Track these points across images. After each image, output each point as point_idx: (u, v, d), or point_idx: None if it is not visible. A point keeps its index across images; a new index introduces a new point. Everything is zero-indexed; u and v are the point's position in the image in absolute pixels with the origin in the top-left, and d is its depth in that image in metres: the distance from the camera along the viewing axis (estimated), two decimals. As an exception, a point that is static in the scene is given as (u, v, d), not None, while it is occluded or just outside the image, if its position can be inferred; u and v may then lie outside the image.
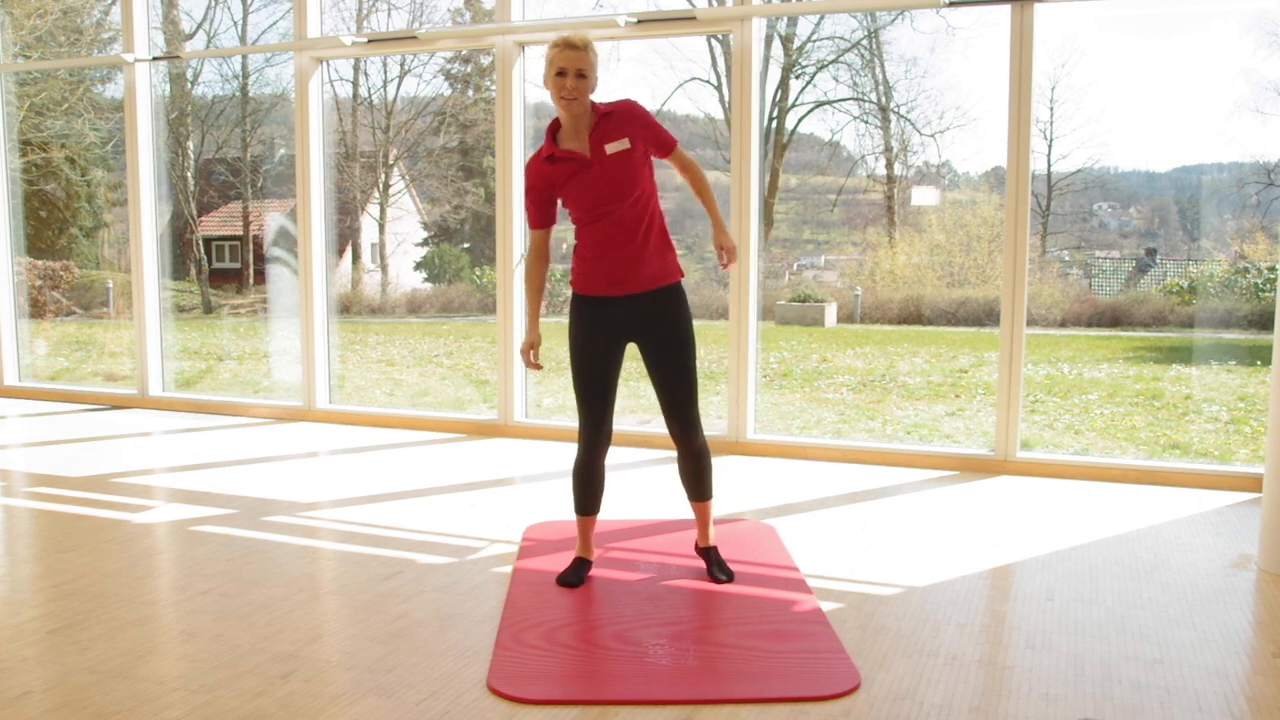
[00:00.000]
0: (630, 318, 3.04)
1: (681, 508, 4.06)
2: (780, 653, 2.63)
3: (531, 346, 3.14)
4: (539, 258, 3.13)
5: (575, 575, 3.18)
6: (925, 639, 2.73)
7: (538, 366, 3.17)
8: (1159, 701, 2.37)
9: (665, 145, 3.06)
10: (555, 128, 3.01)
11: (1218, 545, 3.62)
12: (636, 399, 7.42)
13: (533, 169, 3.04)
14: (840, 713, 2.31)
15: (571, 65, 2.87)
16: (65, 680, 2.46)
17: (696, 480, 3.18)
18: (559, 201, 3.06)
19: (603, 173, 2.95)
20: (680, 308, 3.08)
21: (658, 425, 5.55)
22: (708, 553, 3.26)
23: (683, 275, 3.12)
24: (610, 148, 2.94)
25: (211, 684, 2.44)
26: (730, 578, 3.19)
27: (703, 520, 3.26)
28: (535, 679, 2.47)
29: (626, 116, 2.99)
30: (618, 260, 2.99)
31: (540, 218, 3.08)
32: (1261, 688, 2.46)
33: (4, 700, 2.35)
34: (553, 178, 3.00)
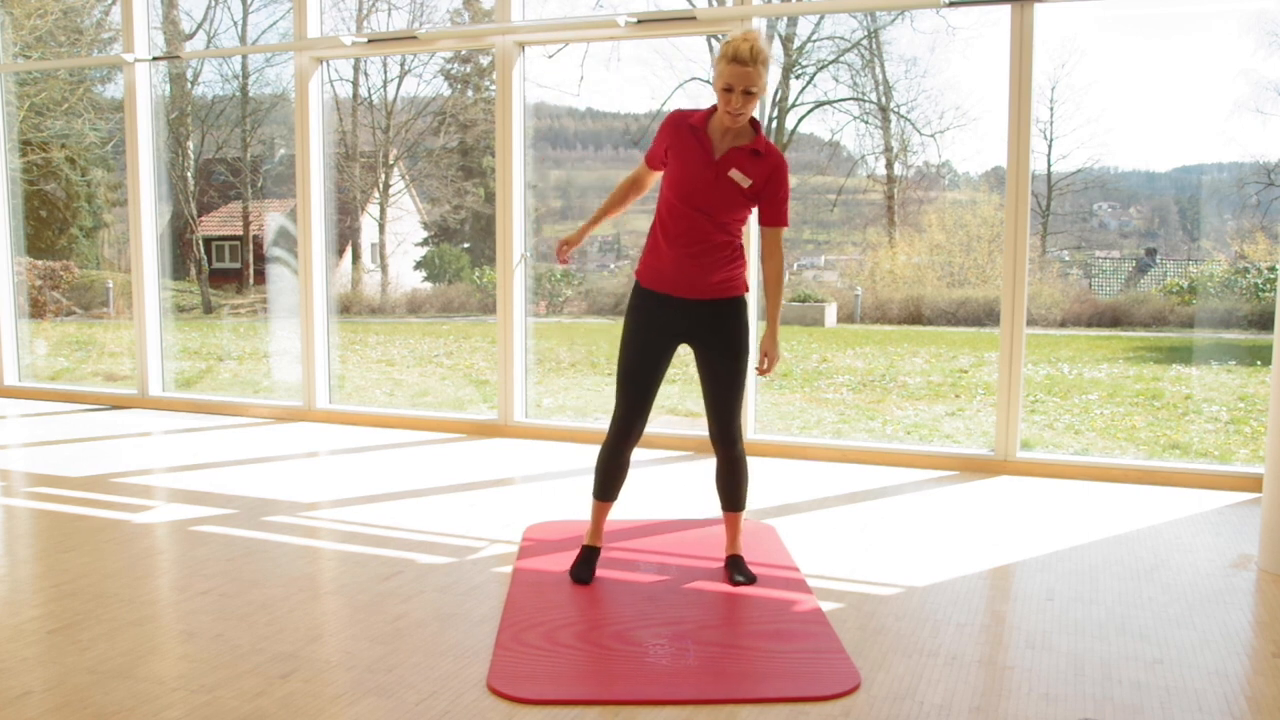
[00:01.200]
0: (688, 321, 3.03)
1: (681, 508, 4.07)
2: (780, 653, 2.63)
3: (569, 244, 3.21)
4: (634, 184, 3.22)
5: (585, 569, 3.17)
6: (925, 639, 2.73)
7: (565, 261, 3.22)
8: (1159, 701, 2.37)
9: (776, 217, 3.02)
10: (714, 111, 2.99)
11: (1218, 545, 3.62)
12: (636, 399, 7.40)
13: (676, 120, 3.02)
14: (840, 713, 2.31)
15: (740, 83, 2.82)
16: (65, 680, 2.46)
17: (732, 490, 3.20)
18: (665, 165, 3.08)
19: (713, 182, 2.94)
20: (740, 320, 3.07)
21: (659, 425, 5.55)
22: (732, 559, 3.25)
23: (747, 290, 3.10)
24: (734, 174, 2.94)
25: (211, 684, 2.44)
26: (749, 579, 3.17)
27: (732, 530, 3.27)
28: (535, 679, 2.47)
29: (770, 169, 2.96)
30: (687, 265, 2.98)
31: (655, 158, 3.09)
32: (1261, 688, 2.46)
33: (4, 700, 2.35)
34: (680, 141, 2.98)
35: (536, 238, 10.80)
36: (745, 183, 2.94)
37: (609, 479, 3.18)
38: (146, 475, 4.66)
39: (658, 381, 3.09)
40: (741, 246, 3.07)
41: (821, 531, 3.75)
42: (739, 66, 2.81)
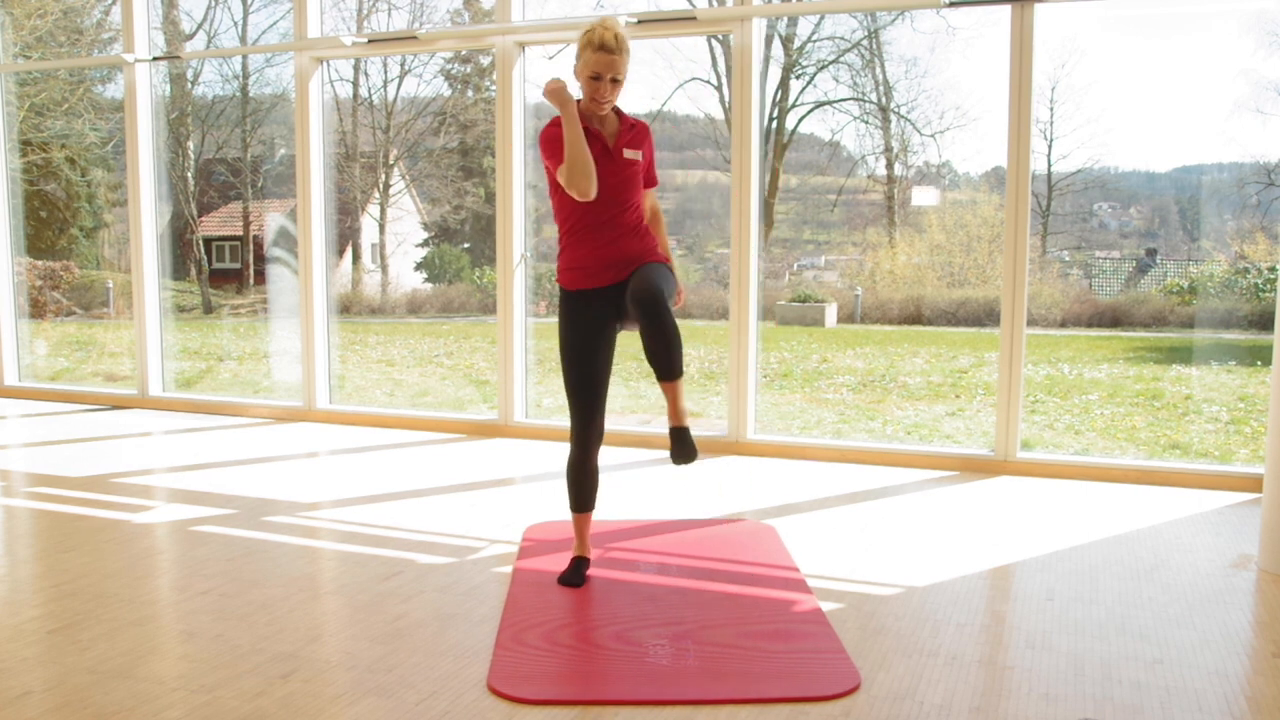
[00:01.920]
0: (617, 304, 3.05)
1: (681, 508, 4.06)
2: (780, 653, 2.63)
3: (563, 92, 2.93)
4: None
5: (576, 575, 3.18)
6: (925, 639, 2.73)
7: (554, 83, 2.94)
8: (1159, 701, 2.37)
9: (651, 179, 3.18)
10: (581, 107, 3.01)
11: (1218, 545, 3.62)
12: (637, 399, 7.42)
13: (557, 127, 2.93)
14: (840, 713, 2.31)
15: (607, 71, 2.89)
16: (65, 680, 2.46)
17: (664, 353, 2.83)
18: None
19: (616, 169, 3.00)
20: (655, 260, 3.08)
21: (658, 425, 5.55)
22: (676, 432, 2.92)
23: (668, 260, 3.14)
24: (628, 153, 3.03)
25: (211, 684, 2.44)
26: (691, 458, 2.89)
27: (672, 396, 2.90)
28: (535, 679, 2.47)
29: (645, 136, 3.10)
30: (606, 252, 3.02)
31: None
32: (1261, 688, 2.46)
33: (4, 700, 2.35)
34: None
35: (536, 238, 10.80)
36: (638, 156, 3.06)
37: (582, 490, 3.18)
38: (146, 475, 4.66)
39: (606, 381, 3.10)
40: (647, 225, 3.13)
41: (821, 531, 3.75)
42: (606, 54, 2.87)
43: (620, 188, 3.01)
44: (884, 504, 4.16)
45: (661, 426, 5.46)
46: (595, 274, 3.03)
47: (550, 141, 2.96)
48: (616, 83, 2.92)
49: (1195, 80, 8.14)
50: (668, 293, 2.95)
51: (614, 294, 3.05)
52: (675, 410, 2.94)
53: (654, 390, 7.25)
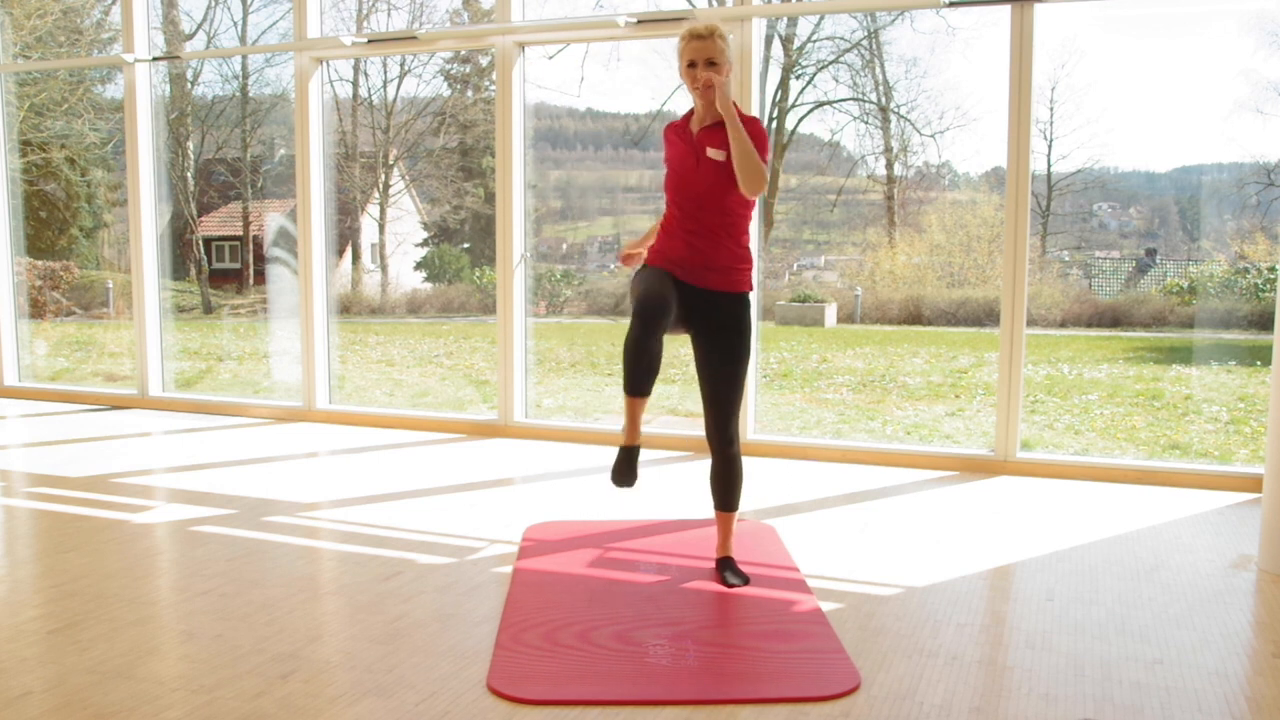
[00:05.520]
0: (691, 304, 3.01)
1: (681, 508, 4.06)
2: (780, 653, 2.63)
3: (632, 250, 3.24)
4: None
5: (627, 469, 2.97)
6: (925, 639, 2.73)
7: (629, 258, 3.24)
8: (1159, 701, 2.37)
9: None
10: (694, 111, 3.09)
11: (1218, 545, 3.62)
12: (636, 399, 7.39)
13: (665, 131, 3.13)
14: (840, 713, 2.31)
15: (700, 55, 2.92)
16: (65, 680, 2.46)
17: (726, 490, 3.18)
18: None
19: (696, 166, 2.99)
20: (739, 317, 3.04)
21: (658, 425, 5.55)
22: (723, 561, 3.24)
23: (750, 289, 3.10)
24: (711, 153, 2.97)
25: (211, 684, 2.44)
26: (743, 581, 3.15)
27: (724, 530, 3.25)
28: (535, 679, 2.47)
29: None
30: (691, 250, 3.00)
31: None
32: (1261, 688, 2.46)
33: (4, 700, 2.35)
34: (669, 147, 3.10)
35: (536, 238, 10.80)
36: (719, 156, 2.95)
37: (638, 369, 2.86)
38: (146, 475, 4.66)
39: (672, 298, 2.88)
40: (746, 246, 3.07)
41: (821, 531, 3.75)
42: (697, 40, 2.92)
43: (702, 189, 2.99)
44: (884, 504, 4.16)
45: (660, 426, 5.46)
46: (679, 264, 3.01)
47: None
48: (713, 65, 2.92)
49: (1195, 80, 8.14)
50: (738, 385, 3.08)
51: (692, 294, 2.99)
52: (725, 542, 3.26)
53: (655, 390, 7.24)
